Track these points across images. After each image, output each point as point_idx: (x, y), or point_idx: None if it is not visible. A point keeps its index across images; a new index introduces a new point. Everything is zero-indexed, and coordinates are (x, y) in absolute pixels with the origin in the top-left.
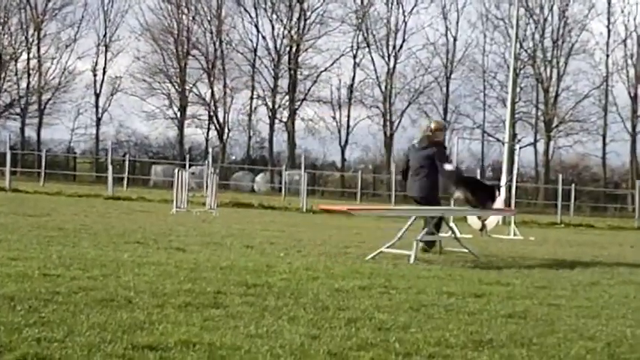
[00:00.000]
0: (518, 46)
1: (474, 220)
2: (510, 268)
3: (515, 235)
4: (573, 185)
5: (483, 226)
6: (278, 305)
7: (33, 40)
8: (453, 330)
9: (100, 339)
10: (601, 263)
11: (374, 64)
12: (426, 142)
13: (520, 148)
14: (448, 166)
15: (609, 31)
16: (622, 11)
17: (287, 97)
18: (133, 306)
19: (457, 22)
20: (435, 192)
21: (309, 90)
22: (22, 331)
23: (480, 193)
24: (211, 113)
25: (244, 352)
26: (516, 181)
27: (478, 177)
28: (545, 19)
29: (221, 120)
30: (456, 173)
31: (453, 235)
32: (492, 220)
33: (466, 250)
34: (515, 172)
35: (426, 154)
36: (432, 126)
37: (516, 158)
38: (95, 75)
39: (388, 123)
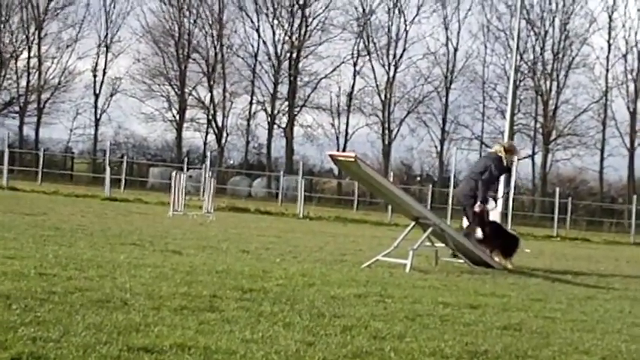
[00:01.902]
0: (518, 58)
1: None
2: (506, 279)
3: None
4: (570, 199)
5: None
6: (274, 311)
7: (34, 39)
8: (449, 340)
9: (95, 340)
10: (597, 277)
11: (374, 72)
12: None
13: (518, 160)
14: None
15: (610, 45)
16: (623, 26)
17: (286, 103)
18: (129, 308)
19: (458, 33)
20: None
21: (308, 96)
22: (18, 330)
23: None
24: (210, 117)
25: (239, 356)
26: (513, 194)
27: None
28: (546, 32)
29: (220, 124)
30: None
31: (449, 246)
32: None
33: (462, 261)
34: (512, 184)
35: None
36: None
37: (514, 170)
38: (95, 75)
39: (387, 131)
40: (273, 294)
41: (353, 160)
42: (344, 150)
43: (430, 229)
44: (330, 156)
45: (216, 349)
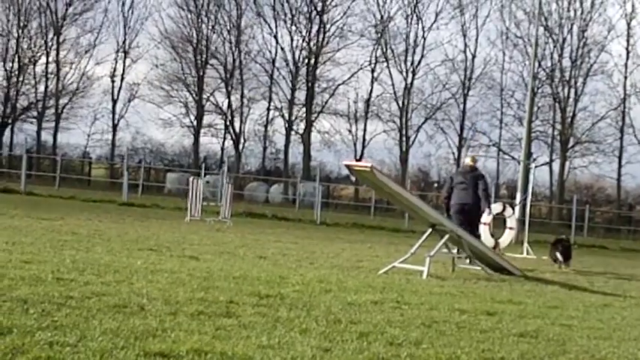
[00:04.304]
0: (536, 65)
1: (487, 238)
2: (523, 286)
3: (528, 254)
4: (587, 206)
5: (496, 244)
6: (290, 317)
7: (52, 45)
8: (465, 347)
9: (112, 345)
10: (614, 285)
11: (392, 79)
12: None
13: (535, 167)
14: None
15: (628, 52)
16: None
17: (304, 109)
18: (146, 313)
19: (476, 40)
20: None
21: (326, 102)
22: (35, 335)
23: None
24: (228, 123)
25: None
26: (531, 201)
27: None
28: (565, 39)
29: (237, 130)
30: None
31: (466, 253)
32: (505, 239)
33: (479, 268)
34: (530, 190)
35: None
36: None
37: (531, 177)
38: (113, 81)
39: (404, 138)
40: (290, 300)
41: (369, 169)
42: (361, 156)
43: (447, 236)
44: (347, 166)
45: (233, 354)
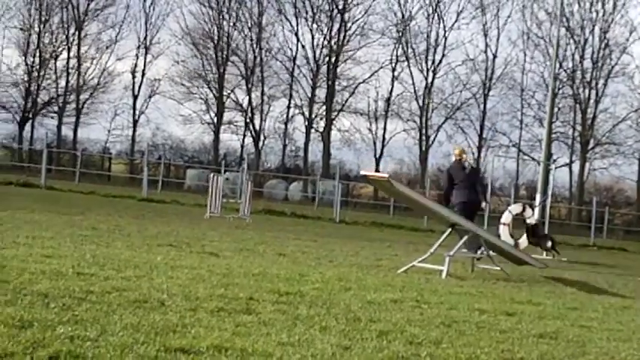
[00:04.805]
0: (557, 66)
1: (506, 239)
2: (542, 287)
3: (547, 255)
4: (607, 208)
5: (516, 245)
6: (310, 314)
7: (73, 40)
8: (485, 347)
9: (132, 340)
10: (633, 287)
11: (412, 78)
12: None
13: (555, 168)
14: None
15: None
16: None
17: (324, 107)
18: (166, 308)
19: (497, 40)
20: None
21: (346, 101)
22: (56, 329)
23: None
24: (248, 120)
25: (276, 359)
26: (550, 202)
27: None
28: (586, 40)
29: (257, 127)
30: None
31: (485, 253)
32: (525, 240)
33: (498, 268)
34: (550, 192)
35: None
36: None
37: (551, 178)
38: (134, 77)
39: (424, 137)
40: (310, 297)
41: (386, 180)
42: (381, 155)
43: (467, 236)
44: (364, 176)
45: (253, 351)
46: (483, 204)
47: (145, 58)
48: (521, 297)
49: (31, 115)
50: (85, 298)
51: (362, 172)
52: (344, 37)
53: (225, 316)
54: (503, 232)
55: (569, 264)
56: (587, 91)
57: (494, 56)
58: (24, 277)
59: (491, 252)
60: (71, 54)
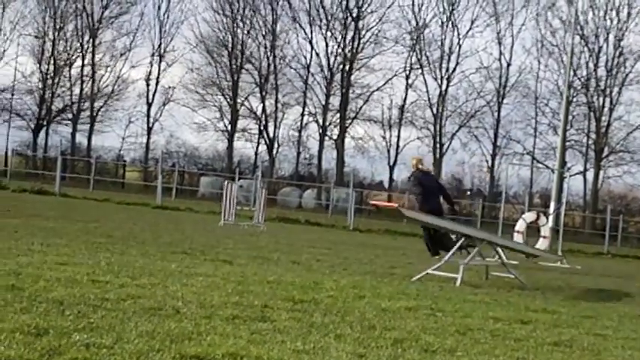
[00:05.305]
0: (571, 73)
1: None
2: (556, 296)
3: (561, 263)
4: (621, 216)
5: None
6: (325, 322)
7: (88, 47)
8: (499, 356)
9: (148, 347)
10: None
11: (426, 86)
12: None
13: (570, 176)
14: None
15: None
16: None
17: (338, 115)
18: (181, 316)
19: (511, 48)
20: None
21: (360, 109)
22: (71, 336)
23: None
24: (262, 127)
25: None
26: (564, 210)
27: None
28: (600, 48)
29: (271, 135)
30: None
31: (499, 261)
32: (539, 247)
33: (512, 276)
34: (564, 200)
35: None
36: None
37: (565, 186)
38: (148, 84)
39: (438, 145)
40: (324, 305)
41: (395, 209)
42: (395, 162)
43: (481, 244)
44: (374, 205)
45: (268, 358)
46: (457, 207)
47: (160, 66)
48: (535, 305)
49: (45, 123)
50: (101, 305)
51: (371, 202)
52: (358, 44)
53: (240, 323)
54: (518, 240)
55: (584, 272)
56: (601, 99)
57: (509, 64)
58: (39, 285)
59: (505, 259)
60: (85, 61)
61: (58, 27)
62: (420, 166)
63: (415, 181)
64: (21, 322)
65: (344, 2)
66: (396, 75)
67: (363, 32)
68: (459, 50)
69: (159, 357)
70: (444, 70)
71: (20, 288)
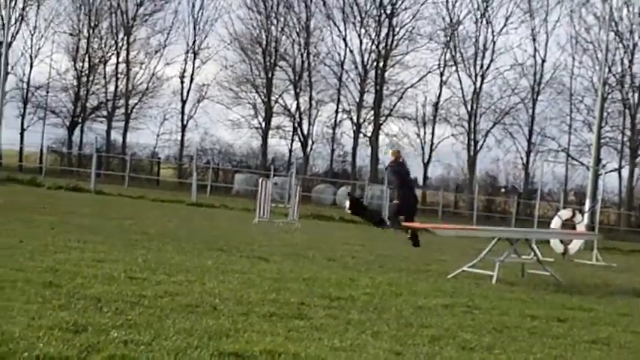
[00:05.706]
0: (606, 70)
1: (556, 244)
2: (593, 293)
3: (597, 260)
4: None
5: (566, 250)
6: (361, 319)
7: (122, 45)
8: (537, 353)
9: (186, 344)
10: None
11: (460, 83)
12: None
13: (605, 173)
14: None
15: None
16: None
17: (372, 112)
18: (218, 313)
19: (546, 44)
20: None
21: (394, 106)
22: (110, 333)
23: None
24: (296, 125)
25: None
26: (600, 207)
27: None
28: (635, 45)
29: (305, 132)
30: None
31: (535, 258)
32: (575, 245)
33: (548, 273)
34: (599, 197)
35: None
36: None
37: (600, 184)
38: (182, 82)
39: (472, 142)
40: (361, 302)
41: (426, 230)
42: (429, 159)
43: (517, 242)
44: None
45: (306, 356)
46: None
47: (194, 63)
48: (572, 303)
49: (80, 120)
50: (138, 302)
51: (403, 224)
52: (392, 41)
53: (277, 320)
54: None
55: (619, 270)
56: (636, 95)
57: (543, 61)
58: (77, 282)
59: (541, 257)
60: (120, 59)
61: (92, 24)
62: (398, 157)
63: (398, 172)
64: (59, 319)
65: None
66: (430, 72)
67: (397, 29)
68: (494, 47)
69: (197, 354)
70: (478, 67)
71: (58, 285)
